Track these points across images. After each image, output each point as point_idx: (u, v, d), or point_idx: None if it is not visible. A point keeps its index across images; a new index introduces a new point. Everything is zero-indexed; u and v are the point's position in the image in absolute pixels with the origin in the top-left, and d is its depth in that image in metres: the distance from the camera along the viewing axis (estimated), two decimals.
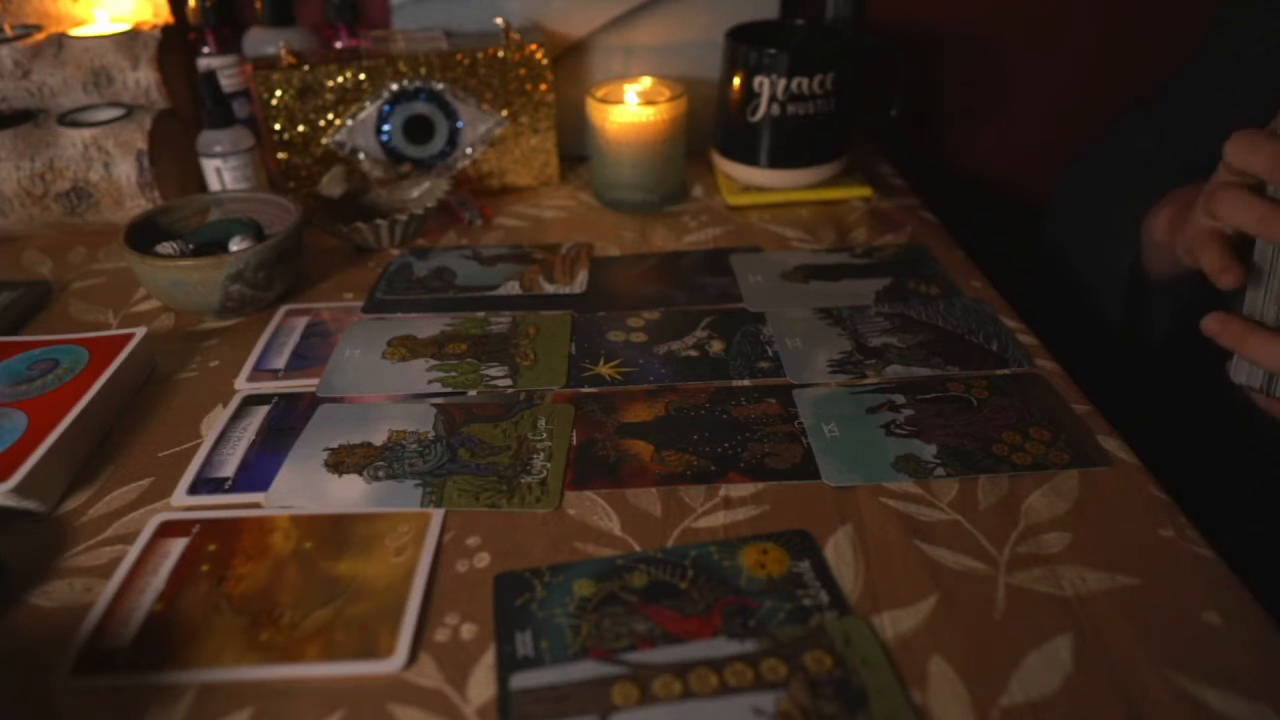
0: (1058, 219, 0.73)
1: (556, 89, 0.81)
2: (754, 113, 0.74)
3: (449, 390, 0.53)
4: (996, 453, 0.47)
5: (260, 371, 0.56)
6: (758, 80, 0.73)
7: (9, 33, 0.76)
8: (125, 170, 0.71)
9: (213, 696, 0.36)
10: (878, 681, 0.35)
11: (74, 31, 0.77)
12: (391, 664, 0.37)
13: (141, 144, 0.71)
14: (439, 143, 0.78)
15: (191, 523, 0.44)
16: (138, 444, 0.50)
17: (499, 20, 0.78)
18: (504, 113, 0.78)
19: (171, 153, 0.75)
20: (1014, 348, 0.56)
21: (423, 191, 0.75)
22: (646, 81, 0.77)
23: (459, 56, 0.75)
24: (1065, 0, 0.92)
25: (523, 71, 0.76)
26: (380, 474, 0.47)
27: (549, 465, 0.47)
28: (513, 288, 0.65)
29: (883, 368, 0.54)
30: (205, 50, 0.82)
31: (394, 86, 0.75)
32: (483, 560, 0.42)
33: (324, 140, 0.76)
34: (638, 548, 0.42)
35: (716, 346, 0.57)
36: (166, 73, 0.76)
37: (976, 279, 0.64)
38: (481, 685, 0.36)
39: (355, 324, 0.61)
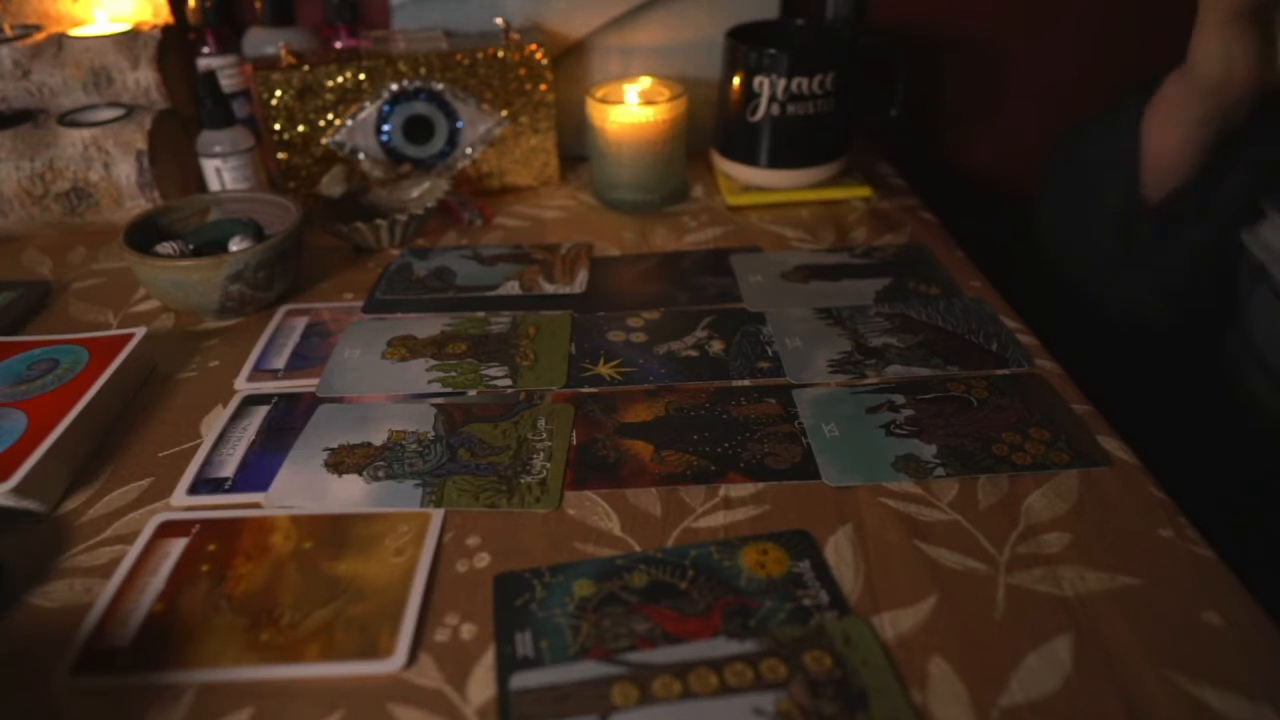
0: (1053, 188, 0.72)
1: (556, 89, 0.81)
2: (754, 113, 0.74)
3: (449, 390, 0.53)
4: (996, 453, 0.47)
5: (260, 371, 0.56)
6: (758, 80, 0.73)
7: (9, 33, 0.76)
8: (125, 170, 0.71)
9: (213, 696, 0.36)
10: (878, 681, 0.35)
11: (74, 31, 0.77)
12: (391, 664, 0.37)
13: (141, 144, 0.71)
14: (439, 143, 0.78)
15: (191, 523, 0.44)
16: (138, 444, 0.50)
17: (499, 20, 0.78)
18: (504, 113, 0.78)
19: (171, 153, 0.75)
20: (1014, 348, 0.56)
21: (423, 191, 0.75)
22: (646, 81, 0.77)
23: (459, 56, 0.75)
24: (1065, 1, 0.92)
25: (523, 71, 0.76)
26: (380, 474, 0.47)
27: (549, 465, 0.47)
28: (513, 288, 0.65)
29: (883, 368, 0.54)
30: (205, 50, 0.82)
31: (394, 86, 0.75)
32: (483, 560, 0.42)
33: (324, 140, 0.76)
34: (638, 548, 0.42)
35: (716, 346, 0.57)
36: (166, 73, 0.76)
37: (976, 279, 0.64)
38: (481, 685, 0.36)
39: (355, 324, 0.61)
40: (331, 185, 0.72)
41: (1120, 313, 0.66)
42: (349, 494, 0.46)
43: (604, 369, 0.55)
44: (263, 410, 0.52)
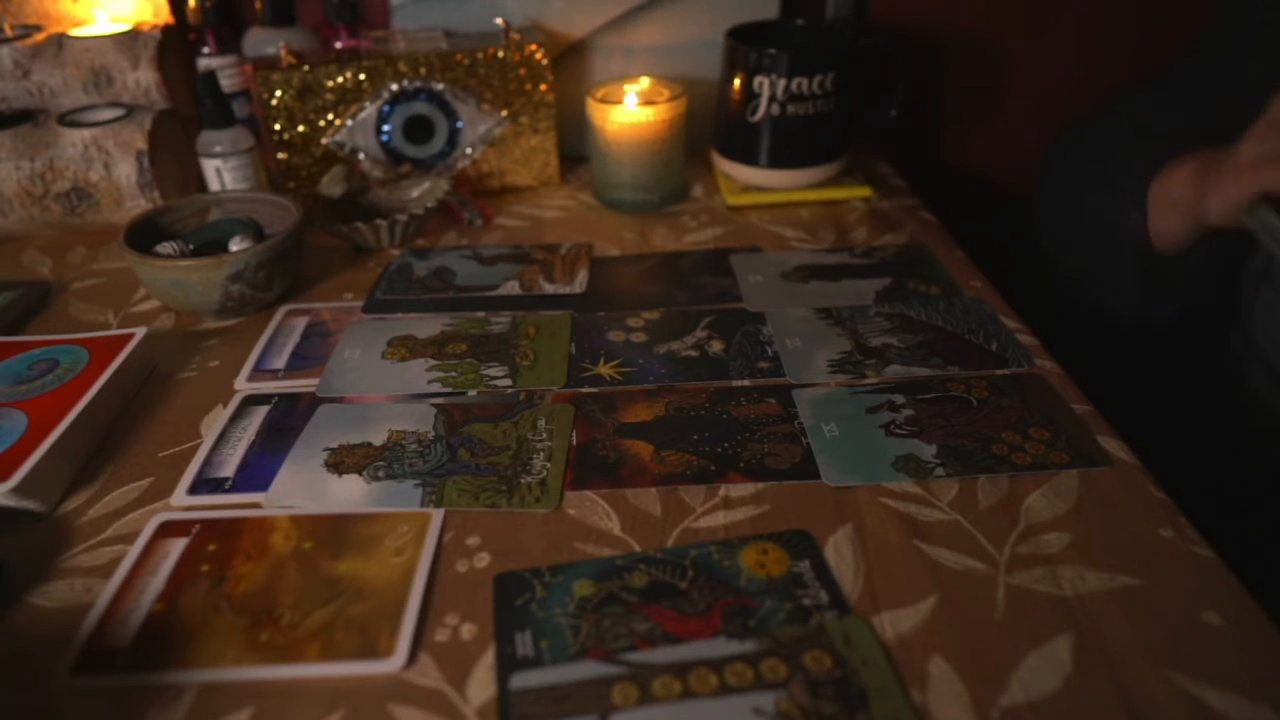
0: (1051, 186, 0.71)
1: (556, 89, 0.81)
2: (754, 113, 0.74)
3: (449, 390, 0.53)
4: (996, 453, 0.47)
5: (260, 371, 0.56)
6: (758, 80, 0.73)
7: (9, 33, 0.76)
8: (125, 170, 0.71)
9: (213, 696, 0.36)
10: (878, 681, 0.35)
11: (74, 31, 0.77)
12: (391, 664, 0.37)
13: (141, 144, 0.71)
14: (439, 143, 0.78)
15: (191, 523, 0.44)
16: (138, 444, 0.50)
17: (499, 20, 0.78)
18: (504, 113, 0.78)
19: (171, 153, 0.75)
20: (1014, 348, 0.56)
21: (423, 191, 0.75)
22: (646, 82, 0.77)
23: (459, 56, 0.75)
24: (1065, 0, 0.92)
25: (523, 71, 0.76)
26: (380, 474, 0.47)
27: (549, 465, 0.47)
28: (513, 288, 0.65)
29: (882, 368, 0.54)
30: (205, 50, 0.82)
31: (394, 86, 0.75)
32: (483, 560, 0.42)
33: (324, 140, 0.76)
34: (638, 548, 0.42)
35: (716, 346, 0.57)
36: (166, 73, 0.76)
37: (976, 279, 0.64)
38: (481, 685, 0.36)
39: (355, 324, 0.61)
40: (331, 185, 0.72)
41: (1119, 312, 0.66)
42: (349, 494, 0.46)
43: (604, 369, 0.55)
44: (263, 410, 0.52)
